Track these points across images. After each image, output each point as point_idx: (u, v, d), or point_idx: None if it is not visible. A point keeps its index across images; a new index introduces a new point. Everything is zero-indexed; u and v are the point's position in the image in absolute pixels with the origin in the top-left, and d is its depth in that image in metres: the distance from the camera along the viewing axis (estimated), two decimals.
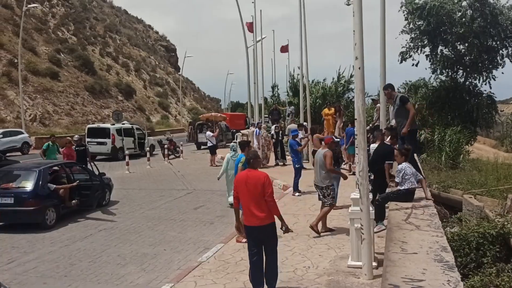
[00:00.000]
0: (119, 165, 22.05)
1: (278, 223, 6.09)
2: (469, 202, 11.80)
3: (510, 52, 22.15)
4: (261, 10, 29.86)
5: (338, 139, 13.57)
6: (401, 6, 22.27)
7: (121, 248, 8.85)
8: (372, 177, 9.93)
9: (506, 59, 22.29)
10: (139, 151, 25.74)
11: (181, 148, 25.98)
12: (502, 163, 17.74)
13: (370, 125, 14.65)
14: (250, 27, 27.02)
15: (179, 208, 12.47)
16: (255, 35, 27.55)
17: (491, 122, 24.12)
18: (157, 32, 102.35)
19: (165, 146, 24.19)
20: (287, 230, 6.16)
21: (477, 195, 12.74)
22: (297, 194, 12.58)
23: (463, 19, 21.47)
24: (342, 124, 16.39)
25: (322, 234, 8.94)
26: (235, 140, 20.66)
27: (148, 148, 24.15)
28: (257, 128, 18.97)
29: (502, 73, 22.70)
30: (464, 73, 23.16)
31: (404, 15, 22.32)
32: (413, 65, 23.25)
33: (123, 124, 26.83)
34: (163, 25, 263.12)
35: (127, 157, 20.60)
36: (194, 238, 9.42)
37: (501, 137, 29.93)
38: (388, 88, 10.12)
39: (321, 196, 9.03)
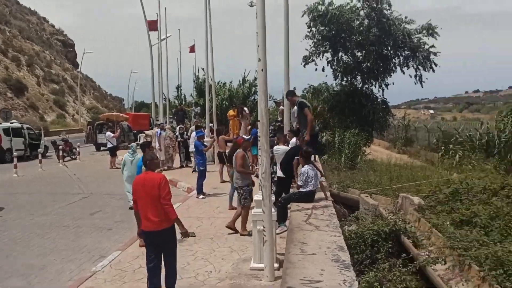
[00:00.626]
0: (6, 168, 20.11)
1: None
2: (365, 201, 12.38)
3: (401, 61, 23.81)
4: (165, 8, 29.19)
5: (248, 137, 13.55)
6: (304, 13, 22.96)
7: (3, 260, 7.96)
8: (275, 178, 10.06)
9: (398, 67, 23.94)
10: (30, 153, 23.82)
11: (77, 149, 24.38)
12: (394, 164, 18.96)
13: (271, 126, 14.85)
14: (154, 25, 26.19)
15: (74, 213, 11.60)
16: (160, 33, 26.83)
17: (385, 125, 25.76)
18: (53, 26, 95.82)
19: (60, 147, 22.55)
20: (186, 234, 5.91)
21: (372, 194, 13.40)
22: (201, 196, 12.33)
23: (361, 28, 22.71)
24: (249, 126, 16.43)
25: (226, 236, 8.81)
26: (138, 141, 19.90)
27: (40, 150, 22.36)
28: (159, 129, 18.38)
29: (393, 83, 24.36)
30: (362, 79, 24.47)
31: (306, 23, 23.05)
32: (316, 69, 24.12)
33: (12, 123, 24.58)
34: (60, 18, 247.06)
35: (15, 159, 18.88)
36: (89, 246, 8.79)
37: (394, 140, 32.09)
38: (288, 95, 10.39)
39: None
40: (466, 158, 18.55)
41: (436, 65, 23.17)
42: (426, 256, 8.42)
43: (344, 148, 19.65)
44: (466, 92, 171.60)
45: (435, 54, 23.07)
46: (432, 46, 22.98)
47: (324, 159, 19.53)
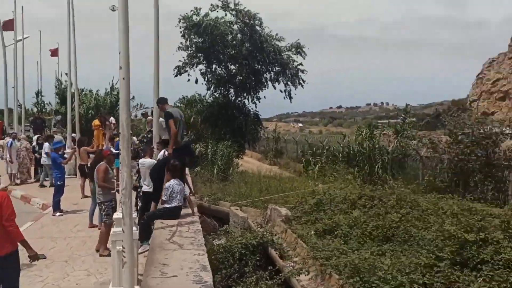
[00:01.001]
0: None
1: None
2: (235, 213, 12.36)
3: (272, 76, 24.68)
4: (22, 7, 26.52)
5: (118, 152, 12.69)
6: (179, 21, 22.68)
7: None
8: (141, 193, 9.54)
9: (270, 82, 24.77)
10: None
11: None
12: (264, 175, 19.38)
13: (140, 137, 14.29)
14: (9, 24, 23.60)
15: None
16: (16, 33, 24.23)
17: (257, 137, 26.45)
18: None
19: None
20: (34, 257, 5.29)
21: (243, 207, 13.44)
22: (58, 214, 11.22)
23: (234, 42, 23.09)
24: (117, 138, 15.48)
25: (83, 258, 8.06)
26: None
27: None
28: (11, 139, 16.44)
29: (265, 97, 25.13)
30: (235, 92, 24.84)
31: (181, 31, 22.78)
32: (189, 80, 23.87)
33: None
34: None
35: None
36: None
37: (265, 151, 33.08)
38: (159, 103, 9.97)
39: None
40: (330, 170, 19.74)
41: (304, 81, 24.49)
42: (291, 267, 8.57)
43: (217, 159, 19.62)
44: (331, 108, 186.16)
45: (302, 71, 24.37)
46: (300, 64, 24.25)
47: (197, 171, 19.30)
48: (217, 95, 24.89)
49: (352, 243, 9.36)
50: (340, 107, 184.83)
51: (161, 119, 10.74)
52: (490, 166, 13.49)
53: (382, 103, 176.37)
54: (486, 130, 14.41)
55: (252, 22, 22.79)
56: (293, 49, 24.08)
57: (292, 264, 8.84)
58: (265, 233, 9.92)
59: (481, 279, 6.75)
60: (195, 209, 8.30)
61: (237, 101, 24.89)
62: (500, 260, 6.99)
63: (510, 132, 15.46)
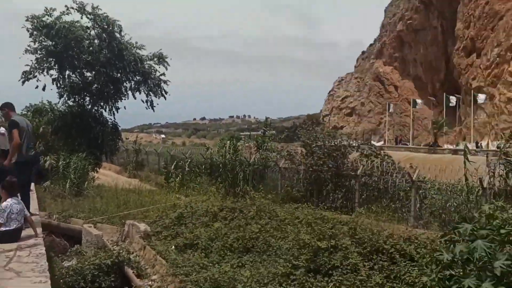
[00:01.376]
0: None
1: None
2: (88, 231, 11.44)
3: (133, 86, 23.70)
4: None
5: None
6: (26, 20, 20.54)
7: None
8: None
9: (130, 92, 23.74)
10: None
11: None
12: (122, 189, 18.33)
13: None
14: None
15: None
16: None
17: (115, 149, 25.14)
18: None
19: None
20: None
21: (97, 224, 12.54)
22: None
23: (91, 48, 21.66)
24: None
25: None
26: None
27: None
28: None
29: (125, 107, 24.01)
30: (91, 101, 23.29)
31: (29, 31, 20.65)
32: (37, 87, 21.62)
33: None
34: None
35: None
36: None
37: (125, 164, 31.65)
38: (5, 107, 8.80)
39: None
40: (192, 182, 19.55)
41: (166, 92, 23.94)
42: (149, 286, 8.17)
43: (69, 173, 18.07)
44: (195, 119, 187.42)
45: (165, 82, 23.84)
46: (163, 74, 23.69)
47: (46, 186, 17.59)
48: (70, 104, 23.03)
49: (213, 256, 9.30)
50: (203, 118, 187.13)
51: (2, 128, 9.51)
52: (340, 176, 14.64)
53: (244, 115, 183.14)
54: (336, 142, 15.66)
55: (111, 28, 21.67)
56: (155, 59, 23.44)
57: (150, 283, 8.44)
58: (121, 251, 9.37)
59: (331, 284, 7.15)
60: (39, 230, 7.37)
61: (93, 110, 23.35)
62: (348, 265, 7.51)
63: (356, 144, 17.03)
